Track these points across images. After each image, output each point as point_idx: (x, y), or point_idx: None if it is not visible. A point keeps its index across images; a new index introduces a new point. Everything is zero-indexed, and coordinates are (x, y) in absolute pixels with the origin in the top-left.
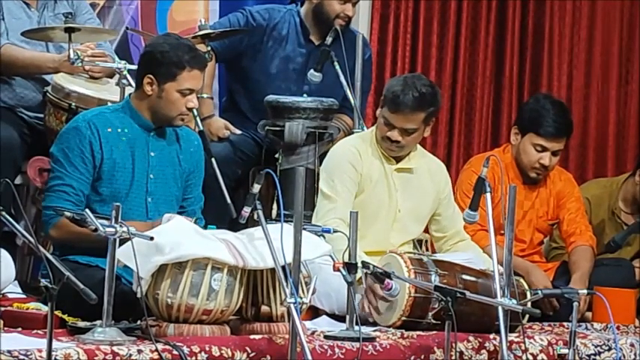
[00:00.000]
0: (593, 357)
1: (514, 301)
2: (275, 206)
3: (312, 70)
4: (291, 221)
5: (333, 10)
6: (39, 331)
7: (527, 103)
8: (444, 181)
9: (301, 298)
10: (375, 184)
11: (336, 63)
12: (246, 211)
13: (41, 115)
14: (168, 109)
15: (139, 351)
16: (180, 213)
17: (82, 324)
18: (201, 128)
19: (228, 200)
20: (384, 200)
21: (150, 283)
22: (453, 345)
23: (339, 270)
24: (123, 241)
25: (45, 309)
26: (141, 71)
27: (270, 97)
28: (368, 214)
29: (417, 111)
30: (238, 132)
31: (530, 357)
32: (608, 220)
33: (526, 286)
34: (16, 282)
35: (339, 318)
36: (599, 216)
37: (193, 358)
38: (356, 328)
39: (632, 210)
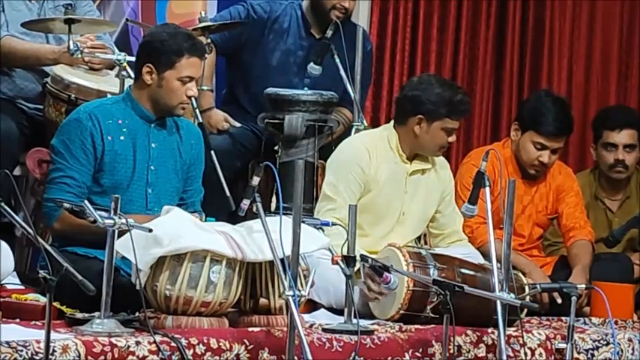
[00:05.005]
0: (591, 352)
1: (512, 296)
2: (274, 199)
3: (311, 63)
4: (290, 214)
5: (329, 1)
6: (37, 322)
7: (528, 100)
8: (448, 178)
9: (300, 290)
10: (383, 186)
11: (336, 56)
12: (245, 203)
13: (41, 107)
14: (169, 98)
15: (137, 343)
16: (180, 205)
17: (80, 315)
18: (201, 120)
19: (228, 193)
20: (390, 202)
21: (148, 275)
22: (451, 339)
23: (337, 263)
24: (122, 233)
25: (43, 300)
26: (140, 61)
27: (270, 90)
28: (372, 215)
29: None
30: (238, 125)
31: (529, 351)
32: (592, 204)
33: (524, 281)
34: (14, 273)
35: (338, 311)
36: (583, 201)
37: (191, 350)
38: (354, 321)
39: (612, 193)
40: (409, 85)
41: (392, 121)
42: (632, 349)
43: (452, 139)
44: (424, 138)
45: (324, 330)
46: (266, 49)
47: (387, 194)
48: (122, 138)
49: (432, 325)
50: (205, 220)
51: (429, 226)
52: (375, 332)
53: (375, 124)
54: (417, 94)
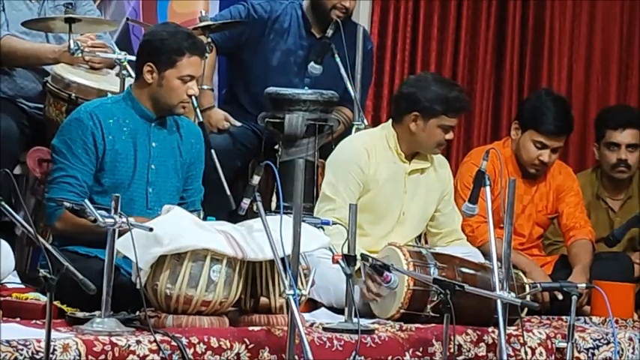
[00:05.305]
0: (591, 351)
1: (513, 295)
2: (274, 198)
3: (312, 63)
4: (291, 213)
5: (329, 1)
6: (38, 322)
7: (528, 100)
8: (447, 178)
9: (300, 290)
10: (383, 186)
11: (336, 55)
12: (246, 202)
13: (41, 106)
14: (169, 97)
15: (138, 342)
16: (180, 204)
17: (80, 314)
18: (201, 119)
19: (228, 192)
20: (390, 202)
21: (149, 274)
22: (452, 338)
23: (338, 262)
24: (122, 232)
25: (44, 299)
26: (140, 60)
27: (270, 89)
28: (373, 215)
29: None
30: (238, 124)
31: (529, 350)
32: (594, 204)
33: (525, 280)
34: (15, 272)
35: (338, 310)
36: (584, 201)
37: (192, 349)
38: (355, 320)
39: (614, 193)
40: (406, 82)
41: (390, 120)
42: (633, 349)
43: (449, 136)
44: (421, 135)
45: (325, 329)
46: (266, 49)
47: (386, 194)
48: (123, 137)
49: (433, 325)
50: (205, 219)
51: (428, 224)
52: (376, 331)
53: (375, 123)
54: (412, 92)
